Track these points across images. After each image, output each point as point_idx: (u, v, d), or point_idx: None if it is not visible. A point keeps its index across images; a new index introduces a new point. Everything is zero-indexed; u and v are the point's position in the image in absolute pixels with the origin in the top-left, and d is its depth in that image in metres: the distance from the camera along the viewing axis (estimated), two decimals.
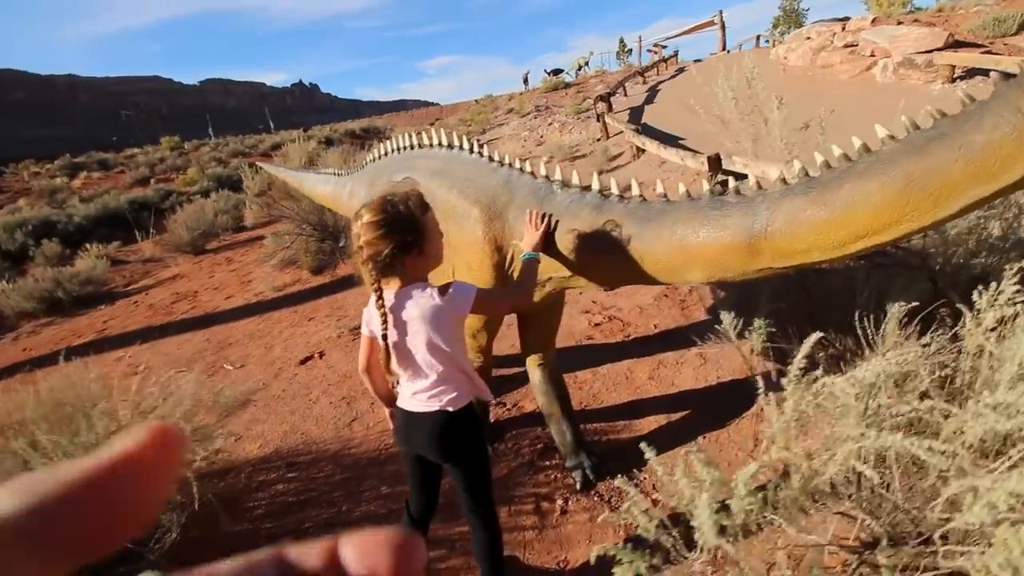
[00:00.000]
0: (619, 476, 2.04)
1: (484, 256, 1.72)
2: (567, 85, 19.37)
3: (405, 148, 2.25)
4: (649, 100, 12.47)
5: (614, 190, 1.51)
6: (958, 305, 1.26)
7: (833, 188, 1.05)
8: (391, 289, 1.35)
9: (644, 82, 15.33)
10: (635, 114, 11.14)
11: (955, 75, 7.79)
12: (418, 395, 1.38)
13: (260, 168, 4.96)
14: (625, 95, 13.51)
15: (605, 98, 10.22)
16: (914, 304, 1.41)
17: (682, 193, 1.38)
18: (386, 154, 2.38)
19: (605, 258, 1.48)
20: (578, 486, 1.99)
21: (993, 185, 0.88)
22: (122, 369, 4.17)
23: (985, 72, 7.37)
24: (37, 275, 7.15)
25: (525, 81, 24.19)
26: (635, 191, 1.47)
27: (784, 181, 1.18)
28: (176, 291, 6.57)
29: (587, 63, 23.13)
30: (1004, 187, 0.88)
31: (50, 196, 18.12)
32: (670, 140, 8.07)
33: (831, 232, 1.07)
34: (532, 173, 1.68)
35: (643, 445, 1.14)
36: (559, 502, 1.96)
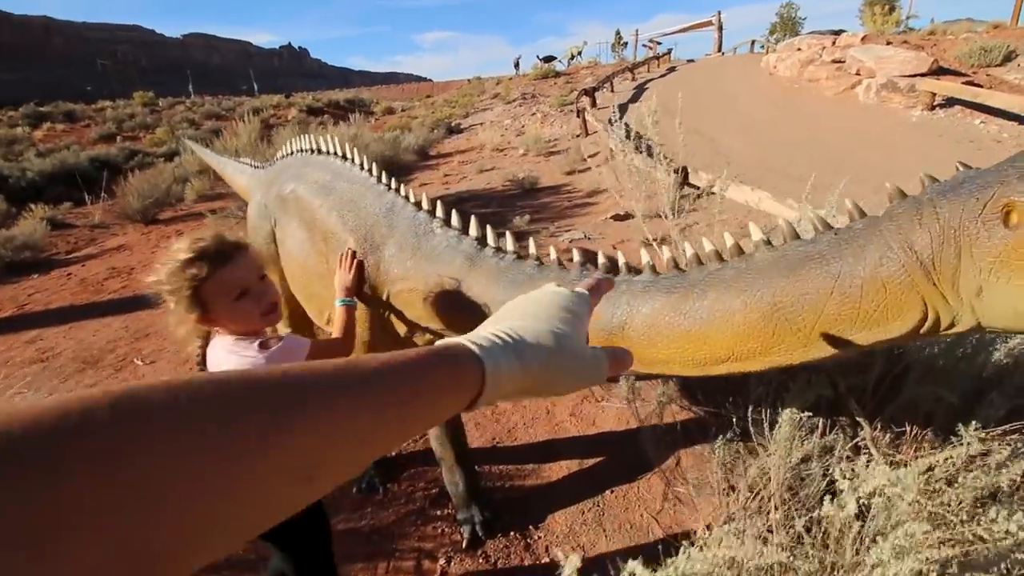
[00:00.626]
0: (512, 533, 1.90)
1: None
2: (557, 74, 19.02)
3: (305, 151, 2.01)
4: (635, 98, 12.27)
5: (490, 240, 1.30)
6: (858, 419, 1.10)
7: (696, 295, 0.87)
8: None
9: (633, 79, 15.09)
10: (619, 112, 10.92)
11: (935, 102, 7.75)
12: None
13: (189, 146, 4.61)
14: (612, 91, 13.28)
15: (589, 93, 10.00)
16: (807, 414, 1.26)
17: (553, 260, 1.17)
18: (290, 154, 2.13)
19: (469, 320, 1.29)
20: (464, 544, 1.82)
21: (876, 334, 0.69)
22: (28, 355, 3.87)
23: (964, 103, 7.34)
24: None
25: (516, 66, 23.72)
26: (509, 246, 1.26)
27: (653, 269, 0.99)
28: (113, 265, 6.20)
29: (580, 53, 22.76)
30: (891, 338, 0.69)
31: (7, 146, 17.17)
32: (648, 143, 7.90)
33: (690, 348, 0.89)
34: (417, 204, 1.46)
35: None
36: (441, 561, 1.79)
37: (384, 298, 1.47)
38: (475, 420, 2.50)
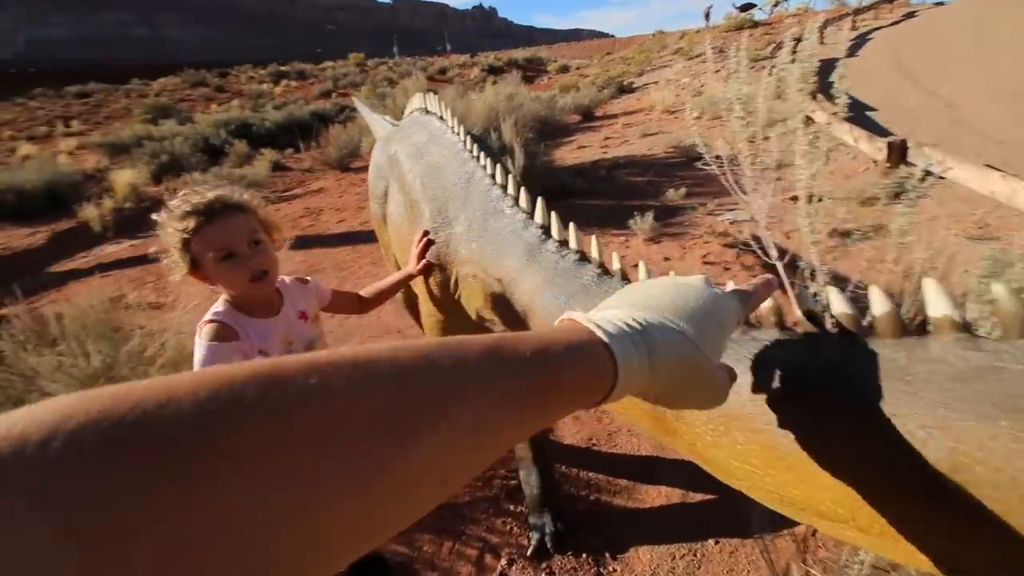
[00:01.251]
0: (584, 556, 1.70)
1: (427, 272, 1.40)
2: (755, 24, 16.52)
3: (417, 111, 1.92)
4: (851, 52, 10.10)
5: (555, 231, 1.02)
6: None
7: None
8: None
9: (854, 27, 12.38)
10: (826, 69, 9.10)
11: None
12: None
13: (355, 103, 4.91)
14: (821, 42, 11.11)
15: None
16: None
17: (617, 271, 0.85)
18: (410, 114, 2.08)
19: (521, 322, 1.06)
20: (529, 551, 1.68)
21: None
22: None
23: None
24: (217, 173, 8.33)
25: (707, 17, 21.20)
26: (573, 241, 0.98)
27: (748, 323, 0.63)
28: (308, 206, 7.20)
29: None
30: None
31: (255, 99, 21.03)
32: (857, 109, 6.43)
33: (778, 473, 0.55)
34: (493, 176, 1.26)
35: None
36: (503, 561, 1.68)
37: (453, 280, 1.33)
38: (576, 415, 2.31)
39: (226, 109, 17.38)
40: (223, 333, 1.12)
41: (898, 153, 4.22)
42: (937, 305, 0.46)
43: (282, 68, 29.36)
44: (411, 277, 1.42)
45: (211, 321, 1.12)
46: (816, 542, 1.64)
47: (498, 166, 1.23)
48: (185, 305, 2.67)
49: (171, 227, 1.10)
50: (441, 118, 1.62)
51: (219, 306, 1.16)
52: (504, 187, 1.19)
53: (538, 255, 1.00)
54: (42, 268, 5.68)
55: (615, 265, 0.86)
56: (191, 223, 1.08)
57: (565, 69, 19.67)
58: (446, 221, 1.31)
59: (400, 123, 2.21)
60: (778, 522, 1.69)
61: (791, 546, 1.63)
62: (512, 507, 1.86)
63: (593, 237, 0.93)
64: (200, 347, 1.10)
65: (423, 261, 1.38)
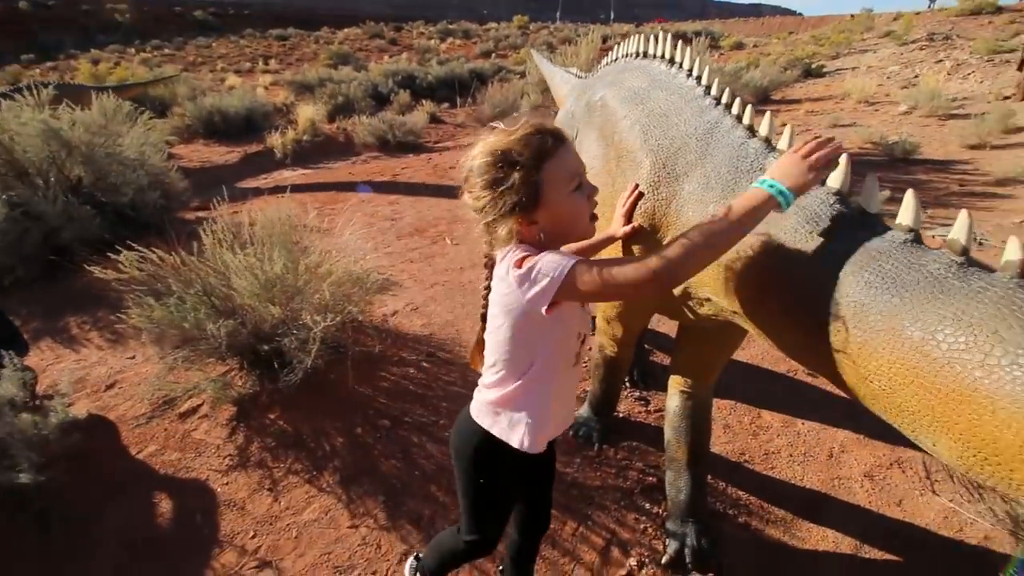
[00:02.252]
0: None
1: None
2: (998, 9, 13.43)
3: (628, 56, 1.71)
4: None
5: (870, 197, 0.80)
6: None
7: None
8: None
9: None
10: None
11: None
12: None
13: (532, 55, 4.75)
14: None
15: None
16: None
17: (1014, 262, 0.64)
18: (613, 60, 1.88)
19: (787, 314, 0.85)
20: (664, 559, 1.50)
21: None
22: (386, 212, 4.96)
23: None
24: (381, 117, 8.91)
25: None
26: (908, 217, 0.75)
27: None
28: (459, 159, 7.41)
29: None
30: None
31: (422, 54, 22.16)
32: None
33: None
34: (750, 129, 1.03)
35: None
36: (632, 561, 1.52)
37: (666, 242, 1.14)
38: (726, 423, 2.04)
39: (396, 61, 18.52)
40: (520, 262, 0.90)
41: None
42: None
43: (450, 26, 30.60)
44: (613, 240, 1.24)
45: (526, 255, 0.89)
46: None
47: (767, 117, 1.01)
48: (351, 234, 2.82)
49: (521, 149, 0.88)
50: (671, 60, 1.40)
51: (514, 248, 0.92)
52: (768, 141, 0.97)
53: (831, 229, 0.79)
54: (233, 182, 6.52)
55: (1011, 255, 0.64)
56: (547, 141, 0.89)
57: (740, 46, 17.86)
58: (671, 176, 1.13)
59: (599, 72, 2.04)
60: None
61: None
62: (647, 506, 1.69)
63: (964, 213, 0.70)
64: (537, 264, 0.86)
65: (632, 224, 1.21)
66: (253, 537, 1.73)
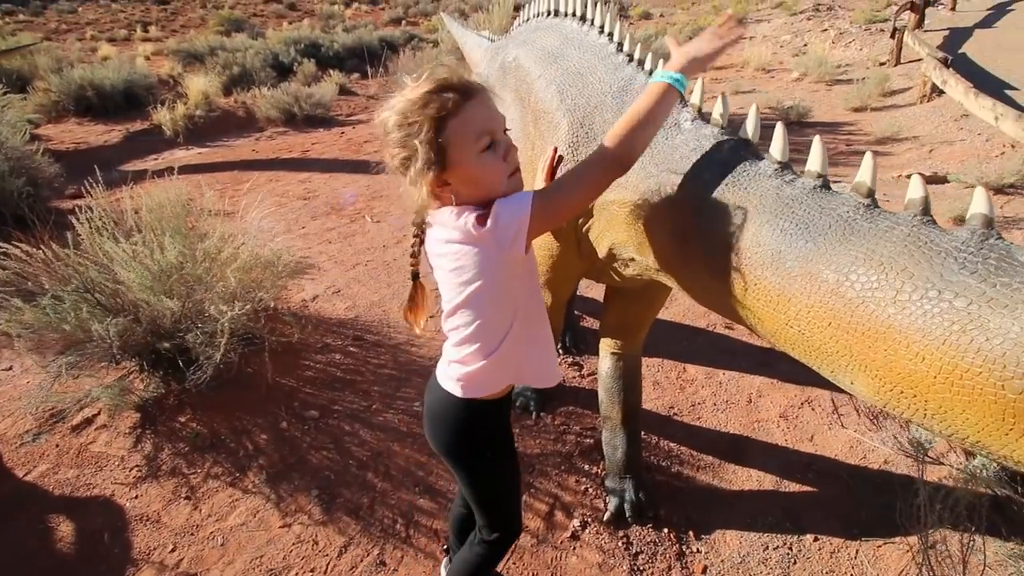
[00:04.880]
0: (665, 530, 1.55)
1: None
2: None
3: (539, 15, 1.66)
4: (988, 22, 8.84)
5: (776, 150, 0.82)
6: None
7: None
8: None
9: None
10: (955, 39, 8.01)
11: None
12: (445, 353, 1.02)
13: (443, 19, 4.47)
14: (952, 9, 9.78)
15: (916, 7, 7.44)
16: None
17: (916, 200, 0.68)
18: (525, 20, 1.82)
19: (705, 267, 0.86)
20: (605, 516, 1.55)
21: None
22: (298, 192, 4.63)
23: None
24: (285, 89, 8.24)
25: None
26: (816, 164, 0.78)
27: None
28: (374, 132, 7.05)
29: None
30: None
31: (326, 20, 20.69)
32: (993, 86, 5.60)
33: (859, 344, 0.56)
34: None
35: None
36: (575, 522, 1.56)
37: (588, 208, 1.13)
38: (655, 379, 2.12)
39: (296, 28, 17.18)
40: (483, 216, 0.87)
41: None
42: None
43: None
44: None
45: (482, 213, 0.86)
46: (936, 555, 1.43)
47: (698, 82, 1.00)
48: (256, 214, 2.59)
49: (414, 115, 0.82)
50: (582, 18, 1.36)
51: (454, 209, 0.88)
52: (681, 99, 0.96)
53: (744, 180, 0.80)
54: (116, 165, 5.81)
55: (915, 193, 0.66)
56: (449, 101, 0.82)
57: (647, 16, 18.31)
58: (590, 136, 1.10)
59: (512, 33, 1.96)
60: (884, 528, 1.50)
61: (904, 556, 1.43)
62: (587, 467, 1.73)
63: (868, 155, 0.72)
64: (498, 211, 0.84)
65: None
66: (173, 550, 1.58)
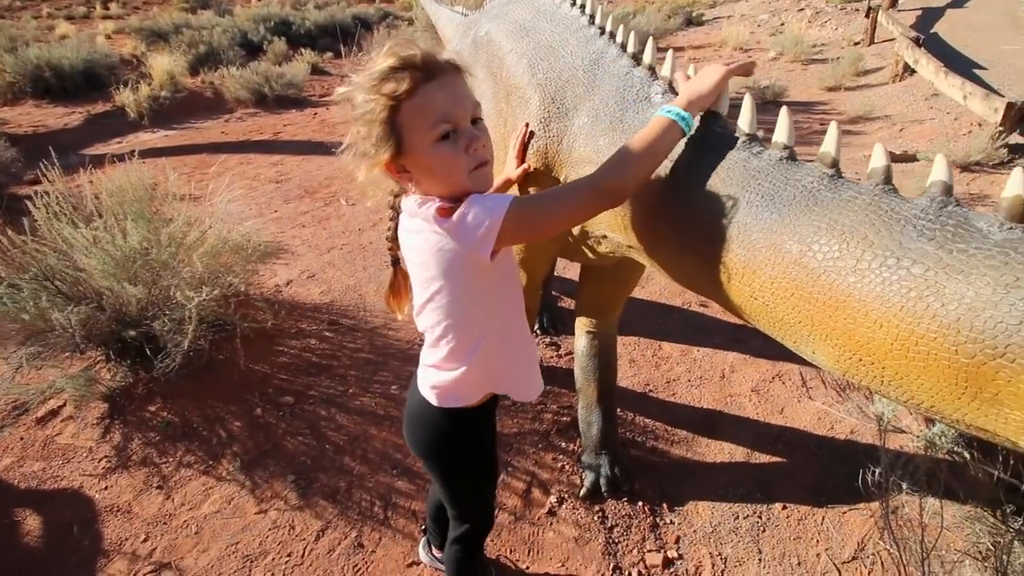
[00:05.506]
0: (640, 504, 1.58)
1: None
2: None
3: None
4: (959, 2, 8.97)
5: (745, 123, 0.82)
6: None
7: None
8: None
9: None
10: (928, 19, 8.11)
11: None
12: (422, 356, 0.98)
13: None
14: None
15: None
16: None
17: (879, 169, 0.68)
18: None
19: (675, 240, 0.86)
20: (582, 492, 1.57)
21: None
22: (270, 175, 4.51)
23: None
24: (255, 69, 7.97)
25: None
26: (783, 136, 0.78)
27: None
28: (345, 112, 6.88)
29: None
30: None
31: None
32: (962, 65, 5.70)
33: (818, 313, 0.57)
34: (635, 57, 1.01)
35: None
36: (552, 498, 1.58)
37: (563, 181, 1.11)
38: (631, 358, 2.14)
39: (266, 5, 16.57)
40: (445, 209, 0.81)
41: (1016, 117, 3.71)
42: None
43: None
44: (510, 183, 1.16)
45: (446, 206, 0.80)
46: (897, 519, 1.49)
47: (650, 43, 0.98)
48: (224, 198, 2.52)
49: (370, 93, 0.76)
50: None
51: (417, 198, 0.84)
52: (652, 69, 0.95)
53: (712, 153, 0.79)
54: (77, 149, 5.58)
55: (877, 162, 0.66)
56: (405, 82, 0.75)
57: None
58: (561, 111, 1.08)
59: (485, 7, 1.92)
60: (848, 496, 1.55)
61: (867, 521, 1.49)
62: (564, 444, 1.75)
63: (833, 124, 0.72)
64: (467, 212, 0.78)
65: (524, 164, 1.15)
66: (145, 540, 1.55)
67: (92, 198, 2.15)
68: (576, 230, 1.16)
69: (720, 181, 0.79)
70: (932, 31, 7.31)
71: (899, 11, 8.36)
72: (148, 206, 2.16)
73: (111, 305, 1.90)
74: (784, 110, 0.79)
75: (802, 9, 10.06)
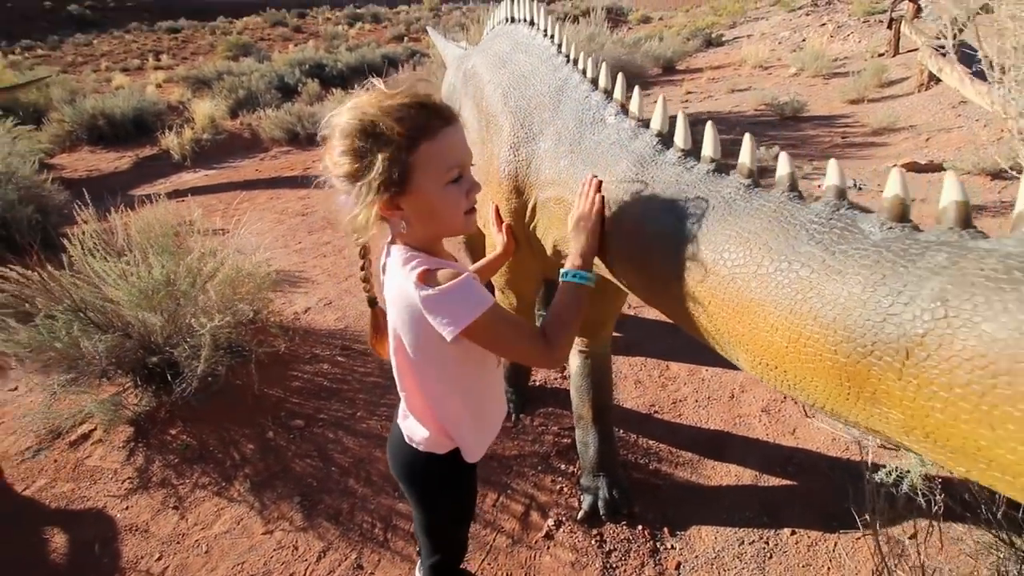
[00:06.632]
0: (639, 527, 1.55)
1: (499, 196, 1.21)
2: None
3: (500, 22, 1.70)
4: (990, 7, 8.68)
5: (680, 139, 0.84)
6: None
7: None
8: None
9: None
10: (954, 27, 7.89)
11: None
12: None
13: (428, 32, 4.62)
14: None
15: None
16: None
17: (784, 177, 0.69)
18: (491, 29, 1.86)
19: (624, 257, 0.88)
20: (579, 515, 1.55)
21: None
22: (297, 207, 4.73)
23: None
24: (288, 110, 8.42)
25: None
26: (709, 150, 0.79)
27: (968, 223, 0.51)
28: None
29: None
30: None
31: (330, 41, 21.15)
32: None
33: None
34: (593, 81, 1.05)
35: None
36: (550, 521, 1.56)
37: (531, 207, 1.15)
38: (637, 378, 2.12)
39: (301, 49, 17.57)
40: (459, 273, 0.82)
41: None
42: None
43: (358, 11, 29.36)
44: (508, 256, 1.20)
45: (437, 269, 0.81)
46: (914, 545, 1.41)
47: (604, 68, 1.02)
48: (246, 231, 2.66)
49: (383, 124, 0.74)
50: (532, 22, 1.40)
51: (410, 250, 0.84)
52: (609, 92, 0.98)
53: (652, 168, 0.82)
54: (126, 191, 5.98)
55: (782, 170, 0.68)
56: (426, 118, 0.76)
57: (647, 20, 18.42)
58: (529, 136, 1.13)
59: (473, 46, 2.02)
60: (868, 520, 1.47)
61: (873, 548, 1.40)
62: (563, 466, 1.73)
63: (747, 136, 0.74)
64: (450, 292, 0.79)
65: (505, 224, 1.20)
66: (159, 559, 1.62)
67: (123, 235, 2.31)
68: (549, 249, 1.18)
69: (657, 196, 0.81)
70: (961, 39, 7.11)
71: (923, 21, 8.18)
72: (173, 241, 2.31)
73: (137, 333, 2.02)
74: (710, 124, 0.81)
75: (823, 24, 9.97)
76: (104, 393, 2.16)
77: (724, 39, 12.11)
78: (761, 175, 0.75)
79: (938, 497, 1.16)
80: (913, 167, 3.87)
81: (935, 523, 1.30)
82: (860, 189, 3.70)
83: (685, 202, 0.76)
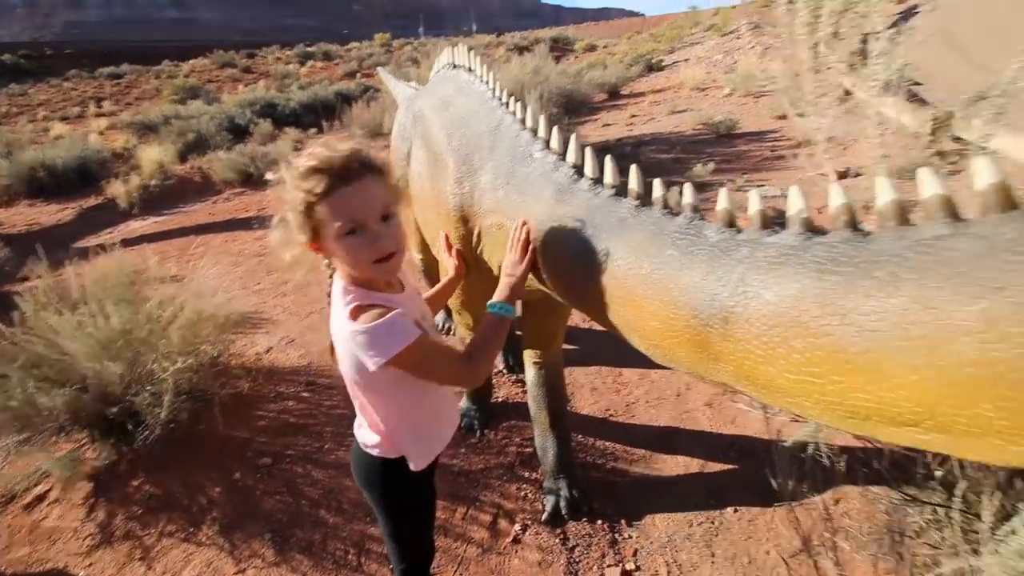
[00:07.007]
0: (599, 522, 1.65)
1: (448, 225, 1.34)
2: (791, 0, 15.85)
3: (444, 67, 1.85)
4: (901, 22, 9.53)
5: (588, 169, 0.99)
6: None
7: (882, 281, 0.50)
8: None
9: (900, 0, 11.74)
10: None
11: None
12: None
13: (379, 73, 4.79)
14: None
15: None
16: None
17: (659, 197, 0.85)
18: (437, 72, 2.01)
19: (553, 275, 1.03)
20: (543, 516, 1.64)
21: None
22: (254, 249, 4.72)
23: None
24: (241, 151, 8.39)
25: None
26: (609, 177, 0.95)
27: (808, 225, 0.66)
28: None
29: None
30: None
31: (281, 80, 21.13)
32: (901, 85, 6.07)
33: (847, 382, 0.53)
34: (523, 122, 1.20)
35: None
36: (517, 526, 1.64)
37: (476, 233, 1.27)
38: (592, 386, 2.25)
39: (252, 90, 17.51)
40: (387, 311, 0.91)
41: (943, 125, 3.96)
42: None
43: (308, 49, 29.46)
44: (459, 280, 1.34)
45: (367, 306, 0.90)
46: (839, 510, 1.56)
47: (530, 111, 1.18)
48: (203, 275, 2.68)
49: (295, 187, 0.87)
50: (470, 69, 1.56)
51: (347, 285, 0.94)
52: (535, 131, 1.13)
53: (569, 195, 0.98)
54: (70, 243, 5.82)
55: (656, 193, 0.85)
56: (321, 184, 0.84)
57: (592, 48, 19.30)
58: (471, 171, 1.26)
59: (427, 84, 2.17)
60: (800, 492, 1.61)
61: (812, 515, 1.55)
62: (527, 474, 1.83)
63: (633, 167, 0.90)
64: (375, 329, 0.88)
65: (455, 249, 1.34)
66: None
67: (77, 287, 2.30)
68: (496, 271, 1.30)
69: (572, 219, 0.97)
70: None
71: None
72: (129, 290, 2.32)
73: (94, 385, 2.01)
74: (608, 158, 0.97)
75: (753, 47, 10.72)
76: (60, 450, 2.12)
77: (664, 64, 12.83)
78: (700, 190, 0.93)
79: (840, 462, 1.31)
80: (842, 176, 4.22)
81: (856, 488, 1.45)
82: (787, 198, 4.00)
83: (593, 222, 0.91)
